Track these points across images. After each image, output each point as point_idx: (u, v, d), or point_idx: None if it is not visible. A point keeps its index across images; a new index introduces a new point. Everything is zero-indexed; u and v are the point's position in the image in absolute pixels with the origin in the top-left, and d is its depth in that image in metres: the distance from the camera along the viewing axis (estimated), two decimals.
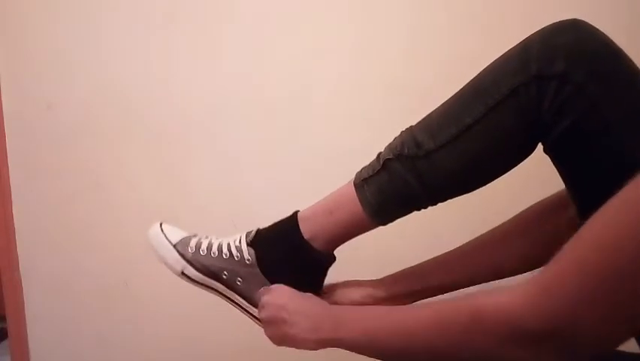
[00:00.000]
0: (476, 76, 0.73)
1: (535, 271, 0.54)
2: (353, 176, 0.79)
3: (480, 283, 0.82)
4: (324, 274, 0.83)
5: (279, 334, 0.76)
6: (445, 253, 0.85)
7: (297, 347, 0.74)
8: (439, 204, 0.77)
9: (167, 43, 1.38)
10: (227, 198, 1.42)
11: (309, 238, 0.79)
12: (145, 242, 1.44)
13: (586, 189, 0.68)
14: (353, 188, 0.78)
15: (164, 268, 1.46)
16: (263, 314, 0.78)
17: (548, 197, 0.81)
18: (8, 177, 1.44)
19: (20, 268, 1.48)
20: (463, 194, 0.76)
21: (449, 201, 0.77)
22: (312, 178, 1.39)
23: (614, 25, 1.23)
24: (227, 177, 1.41)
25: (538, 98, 0.66)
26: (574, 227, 0.52)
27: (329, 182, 1.38)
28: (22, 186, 1.45)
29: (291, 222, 0.80)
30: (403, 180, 0.74)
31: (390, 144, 0.77)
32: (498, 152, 0.71)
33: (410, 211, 0.78)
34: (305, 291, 0.78)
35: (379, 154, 0.78)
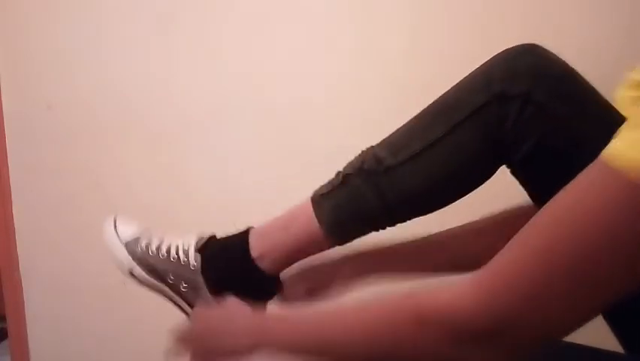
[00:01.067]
0: (440, 97, 0.73)
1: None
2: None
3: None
4: (268, 298, 0.80)
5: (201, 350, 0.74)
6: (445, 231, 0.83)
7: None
8: (398, 225, 0.75)
9: (167, 43, 1.38)
10: (227, 198, 1.41)
11: (258, 256, 0.76)
12: None
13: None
14: (310, 204, 0.76)
15: None
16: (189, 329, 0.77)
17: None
18: (8, 177, 1.44)
19: (20, 268, 1.48)
20: (421, 214, 0.74)
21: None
22: (312, 178, 1.38)
23: (615, 24, 1.24)
24: (227, 177, 1.41)
25: (500, 117, 0.67)
26: None
27: None
28: (22, 186, 1.45)
29: (240, 238, 0.78)
30: (361, 196, 0.72)
31: (350, 161, 0.76)
32: (459, 171, 0.71)
33: (368, 231, 0.76)
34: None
35: (338, 172, 0.76)
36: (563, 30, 1.21)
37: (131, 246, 0.79)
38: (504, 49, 0.71)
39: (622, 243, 0.44)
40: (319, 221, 0.74)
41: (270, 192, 1.40)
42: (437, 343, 0.52)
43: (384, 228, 0.75)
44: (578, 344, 0.70)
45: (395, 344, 0.55)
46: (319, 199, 0.75)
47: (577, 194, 0.48)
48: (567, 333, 0.50)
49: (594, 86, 0.71)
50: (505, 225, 0.75)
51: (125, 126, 1.41)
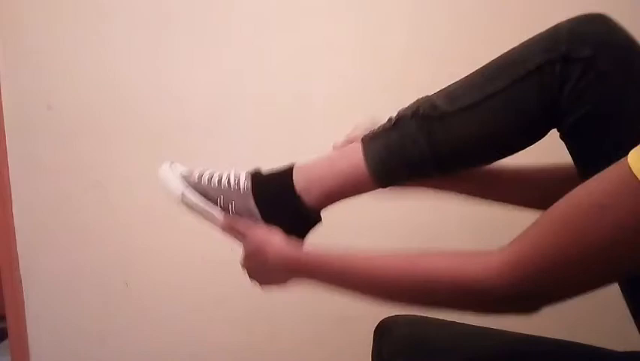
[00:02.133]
0: (502, 54, 0.73)
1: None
2: None
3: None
4: (306, 231, 0.82)
5: (256, 271, 0.79)
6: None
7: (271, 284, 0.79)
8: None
9: (168, 43, 1.38)
10: None
11: (302, 188, 0.77)
12: (147, 245, 1.45)
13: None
14: (360, 142, 0.76)
15: (164, 268, 1.47)
16: (246, 248, 0.80)
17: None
18: (8, 177, 1.44)
19: (20, 268, 1.48)
20: (466, 167, 0.76)
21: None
22: None
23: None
24: None
25: (561, 79, 0.67)
26: None
27: None
28: (22, 186, 1.45)
29: (285, 172, 0.80)
30: (412, 139, 0.72)
31: (404, 107, 0.76)
32: (514, 126, 0.71)
33: (412, 178, 0.76)
34: (288, 235, 0.78)
35: (391, 116, 0.76)
36: None
37: (184, 176, 0.83)
38: (529, 36, 0.71)
39: (630, 236, 0.50)
40: (365, 159, 0.74)
41: None
42: (472, 305, 0.60)
43: (428, 176, 0.76)
44: (578, 343, 0.71)
45: (432, 302, 0.63)
46: (369, 140, 0.75)
47: (598, 195, 0.52)
48: (584, 293, 0.56)
49: None
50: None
51: (125, 126, 1.41)
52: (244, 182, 0.80)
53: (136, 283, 1.47)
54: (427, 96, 0.75)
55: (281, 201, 0.78)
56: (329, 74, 1.36)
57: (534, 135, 0.72)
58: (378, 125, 0.77)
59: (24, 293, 1.49)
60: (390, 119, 0.76)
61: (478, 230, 1.33)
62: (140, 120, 1.41)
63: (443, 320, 0.77)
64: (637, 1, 1.27)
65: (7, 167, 1.44)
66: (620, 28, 0.69)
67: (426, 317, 0.78)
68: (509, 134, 0.72)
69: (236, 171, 0.83)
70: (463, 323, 0.76)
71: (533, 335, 0.73)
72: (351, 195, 0.77)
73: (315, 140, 1.40)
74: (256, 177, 0.81)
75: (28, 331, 1.50)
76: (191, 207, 0.83)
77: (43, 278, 1.48)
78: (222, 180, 0.82)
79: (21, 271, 1.48)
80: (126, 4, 1.38)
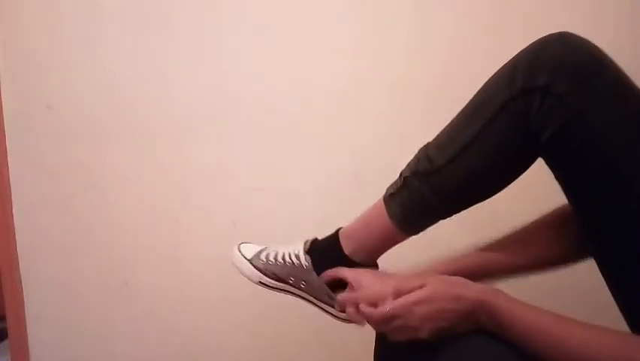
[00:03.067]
0: (476, 92, 0.78)
1: None
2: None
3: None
4: None
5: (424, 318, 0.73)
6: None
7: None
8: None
9: (167, 43, 1.38)
10: (227, 199, 1.41)
11: (351, 252, 0.86)
12: (147, 245, 1.45)
13: (579, 196, 0.73)
14: (382, 203, 0.84)
15: (164, 269, 1.47)
16: (379, 312, 0.76)
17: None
18: (8, 177, 1.44)
19: (20, 268, 1.48)
20: (474, 204, 0.81)
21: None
22: (312, 178, 1.39)
23: (616, 23, 1.23)
24: (227, 178, 1.41)
25: (525, 110, 0.71)
26: None
27: (329, 182, 1.39)
28: (22, 186, 1.45)
29: (333, 239, 0.88)
30: (420, 194, 0.80)
31: (409, 161, 0.83)
32: (498, 165, 0.76)
33: (435, 220, 0.83)
34: None
35: (401, 171, 0.84)
36: (565, 30, 1.20)
37: (254, 261, 0.92)
38: (500, 48, 0.71)
39: None
40: (390, 218, 0.83)
41: (269, 191, 1.40)
42: None
43: (448, 216, 0.82)
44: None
45: None
46: (389, 199, 0.83)
47: None
48: None
49: None
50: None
51: (126, 126, 1.41)
52: (304, 257, 0.89)
53: (136, 283, 1.47)
54: (425, 147, 0.81)
55: (339, 265, 0.87)
56: (329, 74, 1.36)
57: (522, 164, 0.77)
58: (393, 183, 0.84)
59: (24, 293, 1.49)
60: (400, 177, 0.83)
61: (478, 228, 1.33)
62: (140, 121, 1.40)
63: None
64: (637, 1, 1.27)
65: (7, 167, 1.44)
66: (579, 45, 0.71)
67: None
68: (497, 172, 0.77)
69: (294, 248, 0.91)
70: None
71: None
72: (393, 246, 0.86)
73: (316, 140, 1.41)
74: (313, 253, 0.89)
75: (28, 331, 1.50)
76: (270, 288, 0.92)
77: (43, 278, 1.48)
78: (285, 258, 0.91)
79: (21, 272, 1.48)
80: (126, 5, 1.38)
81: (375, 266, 0.88)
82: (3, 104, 1.42)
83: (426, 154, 0.80)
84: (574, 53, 0.70)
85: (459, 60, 1.30)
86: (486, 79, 0.77)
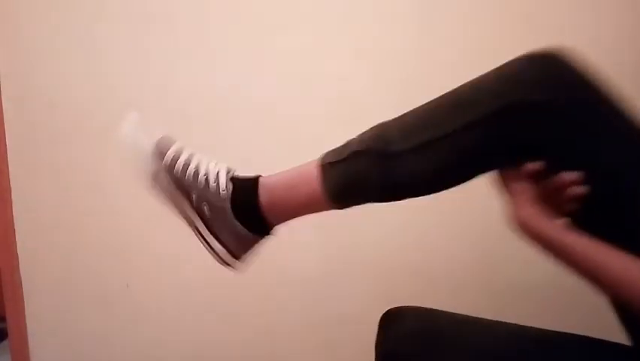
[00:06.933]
0: (457, 88, 0.75)
1: None
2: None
3: None
4: (256, 241, 0.84)
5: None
6: None
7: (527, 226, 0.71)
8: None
9: (167, 43, 1.38)
10: None
11: (266, 204, 0.80)
12: (147, 246, 1.44)
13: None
14: (318, 169, 0.79)
15: (165, 269, 1.46)
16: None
17: None
18: (8, 177, 1.44)
19: (20, 268, 1.48)
20: (417, 196, 0.78)
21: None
22: None
23: (617, 23, 1.23)
24: None
25: (517, 124, 0.69)
26: None
27: None
28: (22, 186, 1.45)
29: (252, 182, 0.82)
30: (366, 174, 0.75)
31: (361, 135, 0.79)
32: (463, 166, 0.74)
33: (368, 202, 0.79)
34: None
35: (348, 142, 0.79)
36: (566, 30, 1.21)
37: (160, 148, 0.81)
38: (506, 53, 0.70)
39: None
40: (323, 188, 0.78)
41: None
42: None
43: (381, 202, 0.79)
44: (589, 337, 0.71)
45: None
46: (327, 167, 0.78)
47: None
48: None
49: None
50: None
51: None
52: (224, 182, 0.80)
53: (136, 284, 1.47)
54: (383, 126, 0.77)
55: (248, 213, 0.80)
56: (329, 75, 1.36)
57: (486, 171, 0.75)
58: (335, 150, 0.80)
59: (24, 293, 1.49)
60: (346, 145, 0.78)
61: (477, 227, 1.33)
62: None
63: (450, 312, 0.78)
64: (637, 0, 1.27)
65: (7, 167, 1.44)
66: (573, 65, 0.70)
67: (432, 309, 0.79)
68: (459, 172, 0.75)
69: (212, 166, 0.81)
70: (472, 316, 0.77)
71: (541, 329, 0.73)
72: (308, 214, 0.81)
73: (316, 141, 1.40)
74: (234, 183, 0.81)
75: (28, 331, 1.50)
76: (160, 189, 0.80)
77: (43, 278, 1.48)
78: (200, 172, 0.80)
79: (21, 272, 1.48)
80: (126, 4, 1.38)
81: (272, 232, 0.82)
82: (3, 104, 1.42)
83: (384, 134, 0.76)
84: (570, 72, 0.70)
85: (463, 62, 1.30)
86: None
